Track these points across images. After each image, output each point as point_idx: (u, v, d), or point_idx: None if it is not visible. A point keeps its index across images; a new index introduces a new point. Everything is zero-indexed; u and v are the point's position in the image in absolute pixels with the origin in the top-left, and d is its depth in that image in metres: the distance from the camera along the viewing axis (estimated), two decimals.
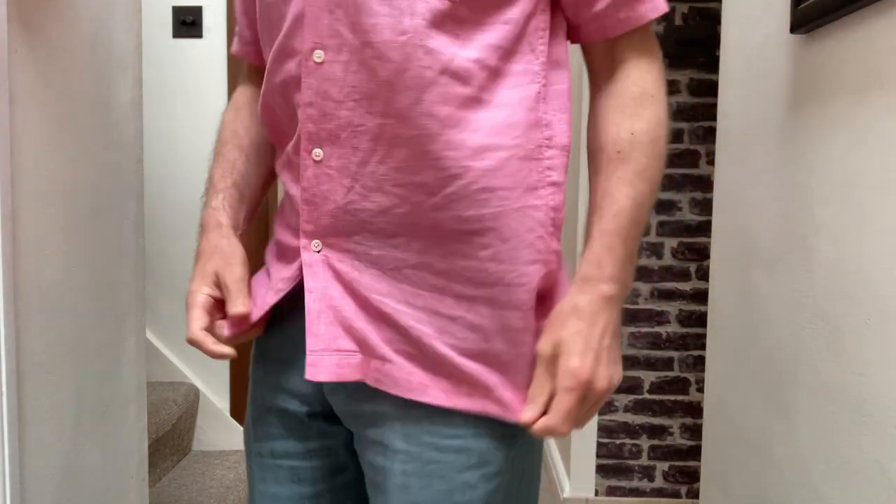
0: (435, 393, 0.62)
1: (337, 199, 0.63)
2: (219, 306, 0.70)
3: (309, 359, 0.63)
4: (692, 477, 2.13)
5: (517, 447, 0.64)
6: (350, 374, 0.63)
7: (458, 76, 0.60)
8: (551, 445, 2.52)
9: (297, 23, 0.62)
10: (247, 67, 0.82)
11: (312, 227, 0.65)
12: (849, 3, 0.74)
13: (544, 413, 0.61)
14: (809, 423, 0.86)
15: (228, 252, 0.72)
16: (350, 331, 0.63)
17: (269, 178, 0.79)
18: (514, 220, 0.62)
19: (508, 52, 0.62)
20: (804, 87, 0.89)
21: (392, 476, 0.63)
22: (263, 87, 0.69)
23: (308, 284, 0.64)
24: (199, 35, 1.99)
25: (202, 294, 0.70)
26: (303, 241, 0.65)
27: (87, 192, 0.99)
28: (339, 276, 0.64)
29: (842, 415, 0.78)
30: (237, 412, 2.08)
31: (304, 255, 0.65)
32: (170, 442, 1.88)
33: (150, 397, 1.87)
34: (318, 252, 0.65)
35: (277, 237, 0.72)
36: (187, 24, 1.98)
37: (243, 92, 0.81)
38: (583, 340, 0.60)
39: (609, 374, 0.61)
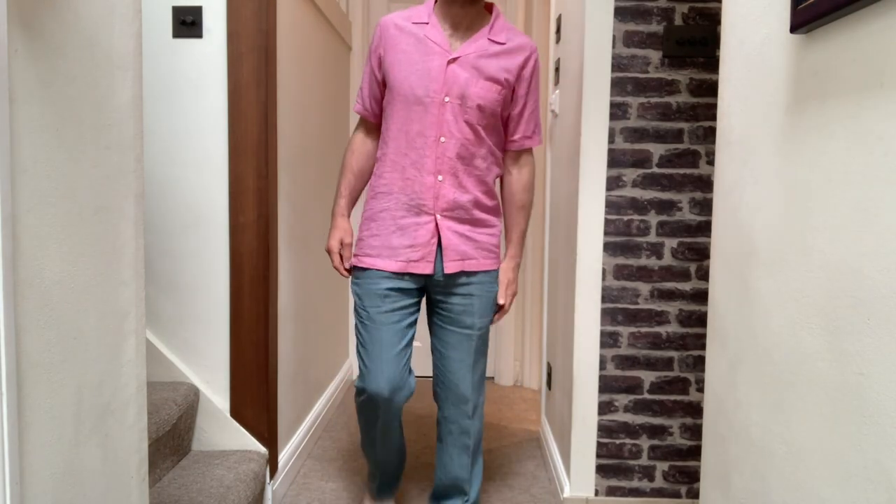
0: (490, 264, 1.79)
1: (448, 196, 1.70)
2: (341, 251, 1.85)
3: (447, 264, 1.71)
4: (692, 477, 2.13)
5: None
6: (460, 268, 1.73)
7: (493, 152, 1.75)
8: (552, 445, 2.52)
9: (431, 125, 1.67)
10: (365, 122, 1.86)
11: (436, 209, 1.70)
12: (849, 3, 0.74)
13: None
14: (809, 423, 0.86)
15: (348, 229, 1.84)
16: (459, 251, 1.73)
17: (363, 188, 1.88)
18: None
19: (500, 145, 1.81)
20: (804, 87, 0.89)
21: (476, 302, 1.77)
22: (400, 142, 1.72)
23: (443, 233, 1.71)
24: (199, 35, 1.99)
25: (338, 245, 1.82)
26: (435, 217, 1.70)
27: (87, 192, 0.99)
28: (451, 228, 1.72)
29: (842, 415, 0.78)
30: (237, 412, 2.08)
31: (439, 222, 1.70)
32: (170, 442, 1.88)
33: (150, 397, 1.87)
34: (440, 220, 1.70)
35: (398, 219, 1.72)
36: (187, 24, 1.98)
37: (359, 138, 1.86)
38: (512, 282, 1.83)
39: (516, 290, 1.85)
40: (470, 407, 1.84)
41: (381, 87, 1.77)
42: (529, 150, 1.82)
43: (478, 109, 1.68)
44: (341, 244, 1.81)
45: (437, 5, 1.75)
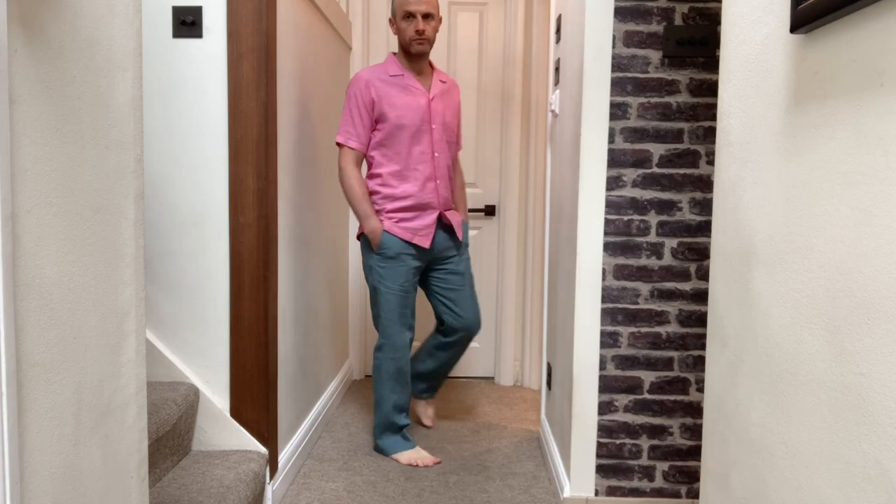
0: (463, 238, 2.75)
1: (444, 195, 2.63)
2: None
3: (462, 238, 2.70)
4: (692, 477, 2.13)
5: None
6: (461, 237, 2.70)
7: (455, 167, 2.77)
8: (552, 445, 2.52)
9: (430, 145, 2.55)
10: (356, 156, 2.53)
11: (438, 205, 2.60)
12: (849, 3, 0.74)
13: None
14: (809, 423, 0.86)
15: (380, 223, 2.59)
16: (454, 229, 2.66)
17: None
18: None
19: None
20: (804, 87, 0.89)
21: (464, 270, 2.71)
22: (405, 160, 2.54)
23: (448, 219, 2.62)
24: (199, 35, 1.99)
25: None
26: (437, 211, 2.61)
27: (87, 192, 0.99)
28: (445, 216, 2.63)
29: (842, 415, 0.78)
30: (237, 412, 2.08)
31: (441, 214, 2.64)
32: (170, 442, 1.88)
33: (150, 397, 1.87)
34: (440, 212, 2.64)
35: (410, 219, 2.56)
36: (187, 24, 1.98)
37: (356, 171, 2.52)
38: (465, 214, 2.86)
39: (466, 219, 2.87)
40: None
41: (374, 124, 2.51)
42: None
43: (451, 130, 2.60)
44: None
45: (400, 60, 2.56)
